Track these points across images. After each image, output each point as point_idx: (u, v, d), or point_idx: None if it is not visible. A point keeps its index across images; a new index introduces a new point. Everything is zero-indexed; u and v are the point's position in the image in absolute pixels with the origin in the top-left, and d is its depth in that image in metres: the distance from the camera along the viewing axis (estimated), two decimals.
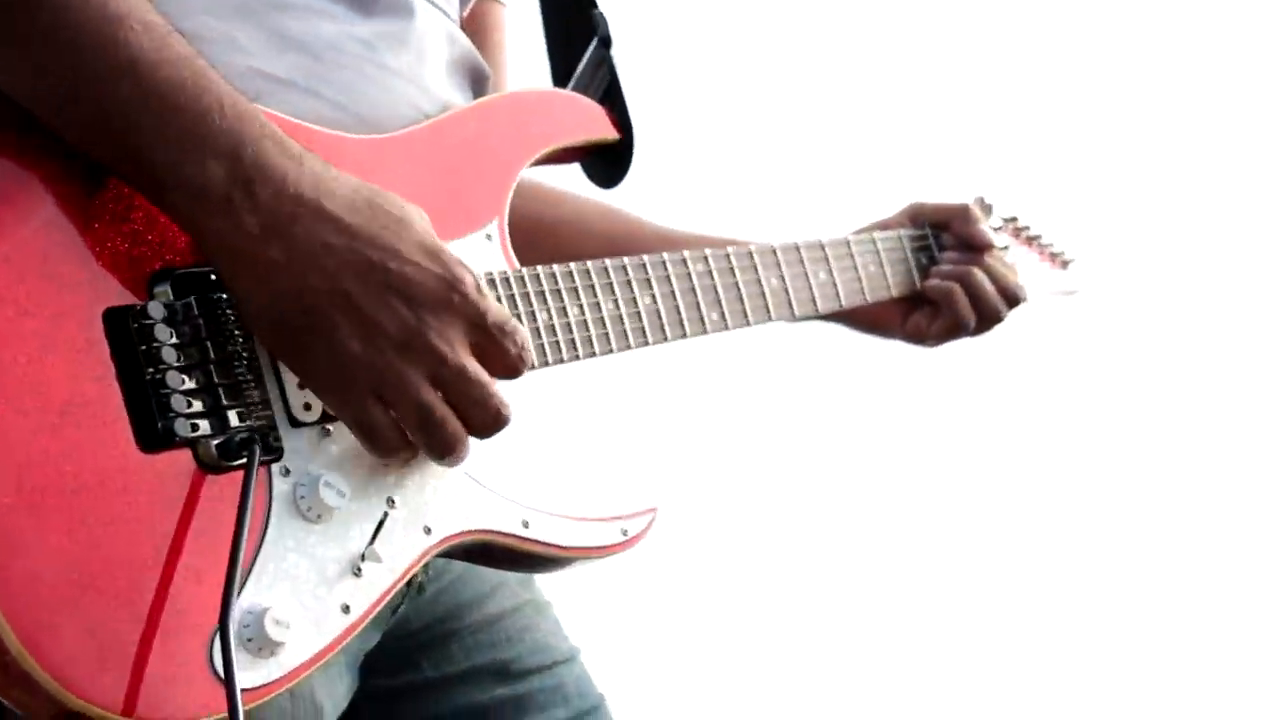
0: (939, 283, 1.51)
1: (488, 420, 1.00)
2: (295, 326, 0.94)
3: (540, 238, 1.36)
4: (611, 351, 1.22)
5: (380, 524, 1.02)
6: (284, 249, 0.92)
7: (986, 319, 1.53)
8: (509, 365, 1.01)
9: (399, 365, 0.94)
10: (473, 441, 1.02)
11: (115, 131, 0.91)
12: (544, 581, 1.45)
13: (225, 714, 0.90)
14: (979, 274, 1.51)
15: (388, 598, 1.02)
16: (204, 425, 0.94)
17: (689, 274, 1.30)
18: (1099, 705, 3.12)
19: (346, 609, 0.99)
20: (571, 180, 1.41)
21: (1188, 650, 3.16)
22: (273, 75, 1.07)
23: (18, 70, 0.92)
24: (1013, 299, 1.55)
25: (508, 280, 1.15)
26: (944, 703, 3.12)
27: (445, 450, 0.99)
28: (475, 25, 1.40)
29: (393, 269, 0.95)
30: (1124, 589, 3.21)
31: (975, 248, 1.55)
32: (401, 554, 1.03)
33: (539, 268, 1.17)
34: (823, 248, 1.44)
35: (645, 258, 1.26)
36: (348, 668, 1.14)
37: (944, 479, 3.19)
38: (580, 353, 1.19)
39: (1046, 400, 3.25)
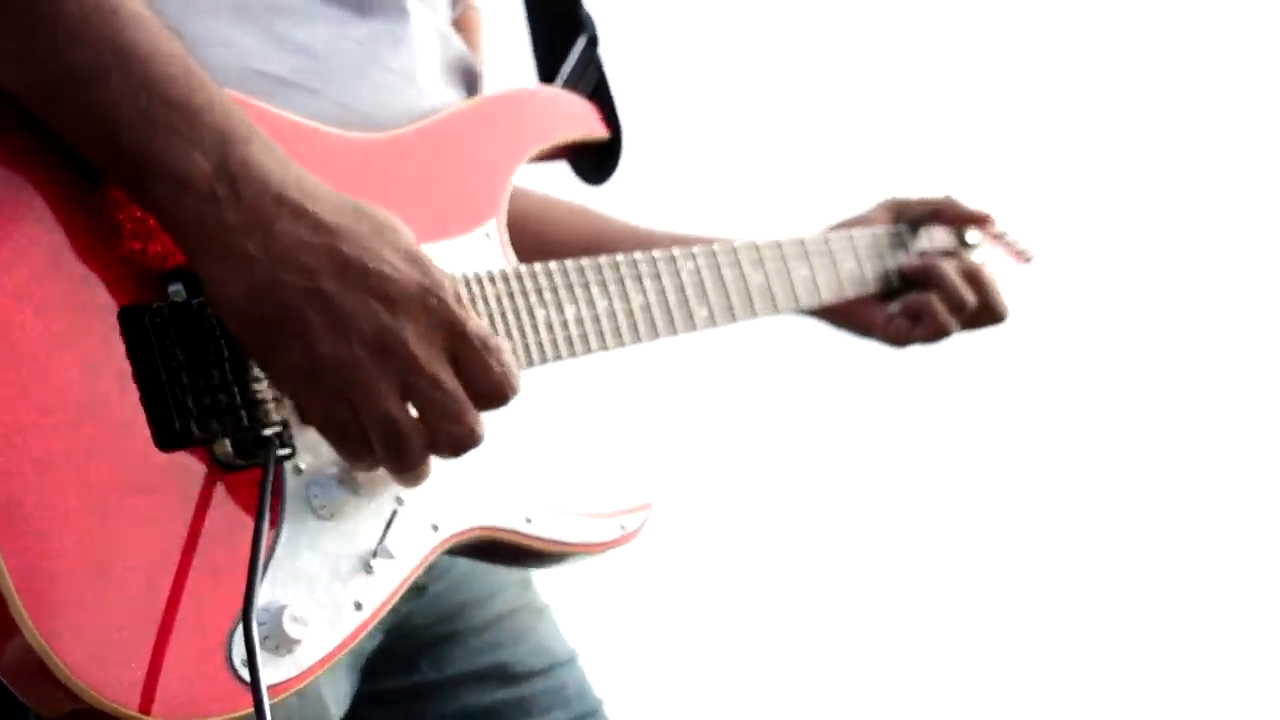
0: (916, 296, 1.52)
1: (459, 436, 0.97)
2: (268, 323, 0.92)
3: (521, 238, 1.37)
4: (607, 348, 1.24)
5: (390, 521, 1.02)
6: (262, 243, 0.90)
7: (957, 312, 1.54)
8: (491, 385, 0.97)
9: (370, 368, 0.92)
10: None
11: (103, 124, 0.90)
12: (541, 584, 1.46)
13: (242, 712, 0.90)
14: (956, 281, 1.53)
15: (398, 595, 1.03)
16: (219, 424, 0.94)
17: (677, 271, 1.31)
18: (1094, 703, 3.16)
19: (359, 606, 0.99)
20: (552, 179, 1.43)
21: (1187, 650, 3.18)
22: (274, 75, 1.07)
23: (7, 61, 0.91)
24: (995, 313, 1.57)
25: (507, 278, 1.15)
26: (938, 702, 3.15)
27: (404, 466, 0.96)
28: (459, 30, 1.40)
29: (370, 267, 0.93)
30: (1119, 588, 3.25)
31: (958, 237, 1.59)
32: (411, 551, 1.04)
33: (537, 265, 1.17)
34: (803, 244, 1.46)
35: (638, 255, 1.27)
36: (350, 668, 1.15)
37: (939, 476, 3.20)
38: (578, 350, 1.20)
39: (1034, 395, 3.27)
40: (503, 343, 0.99)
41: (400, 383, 0.94)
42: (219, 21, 1.06)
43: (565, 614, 1.46)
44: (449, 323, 0.95)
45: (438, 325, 0.95)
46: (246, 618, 0.89)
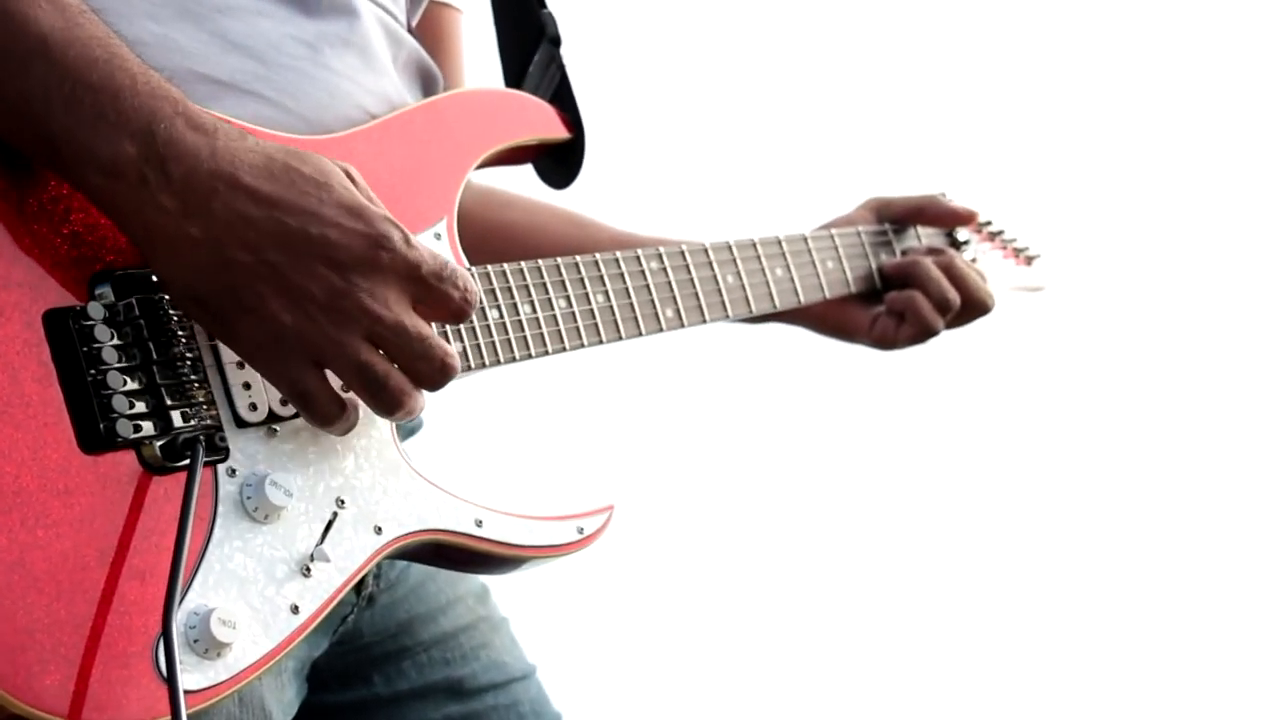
0: (898, 294, 1.49)
1: (433, 372, 0.97)
2: (223, 301, 0.92)
3: (492, 240, 1.35)
4: (565, 349, 1.22)
5: (329, 524, 1.01)
6: (203, 225, 0.90)
7: (941, 310, 1.49)
8: (455, 310, 1.00)
9: (332, 331, 0.93)
10: (426, 438, 1.02)
11: (29, 114, 0.90)
12: (502, 596, 1.44)
13: (167, 717, 0.89)
14: (929, 267, 1.48)
15: (337, 599, 1.01)
16: (147, 426, 0.93)
17: (643, 271, 1.30)
18: (1093, 703, 3.13)
19: (295, 609, 0.98)
20: (524, 182, 1.41)
21: (1187, 649, 3.16)
22: (215, 78, 1.07)
23: None
24: (979, 307, 1.52)
25: None
26: (925, 708, 3.12)
27: (394, 405, 0.97)
28: (431, 31, 1.39)
29: (314, 234, 0.93)
30: (1114, 587, 3.22)
31: (948, 236, 1.57)
32: (351, 554, 1.02)
33: (489, 266, 1.16)
34: (780, 244, 1.44)
35: (598, 255, 1.26)
36: (295, 674, 1.14)
37: (916, 479, 3.18)
38: (533, 351, 1.19)
39: (1023, 394, 3.26)
40: (456, 267, 1.00)
41: (364, 334, 0.94)
42: (159, 24, 1.06)
43: (527, 625, 1.45)
44: (403, 269, 0.96)
45: (391, 274, 0.95)
46: (166, 620, 0.88)
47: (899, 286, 1.50)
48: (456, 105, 1.26)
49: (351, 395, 0.98)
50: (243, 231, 0.91)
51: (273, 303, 0.92)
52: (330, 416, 0.97)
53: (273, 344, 0.93)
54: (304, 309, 0.92)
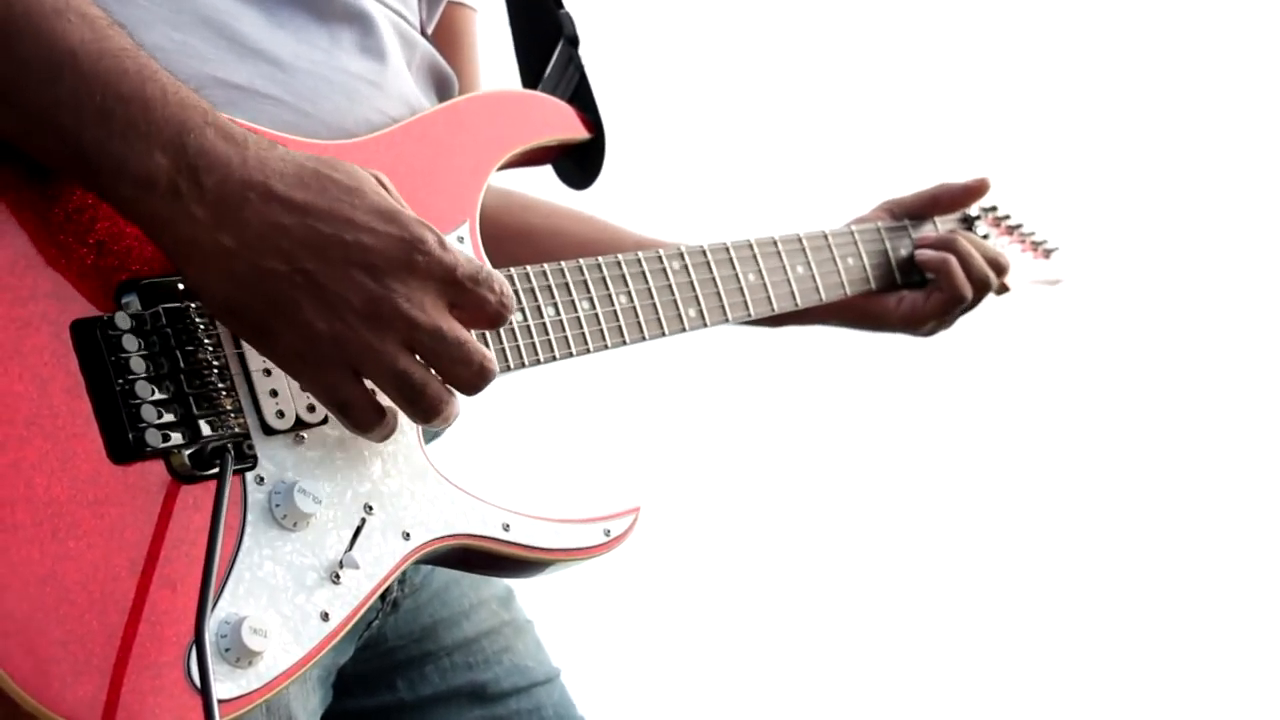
0: (932, 253, 1.50)
1: (471, 376, 0.97)
2: (258, 311, 0.92)
3: (513, 244, 1.35)
4: (589, 351, 1.22)
5: (358, 530, 1.01)
6: (236, 234, 0.90)
7: (979, 289, 1.51)
8: (491, 314, 0.99)
9: (369, 338, 0.93)
10: (449, 442, 1.02)
11: (59, 126, 0.89)
12: (526, 599, 1.45)
13: None
14: (964, 241, 1.51)
15: (366, 605, 1.01)
16: (175, 435, 0.93)
17: (665, 271, 1.29)
18: (1081, 702, 3.13)
19: (326, 617, 0.98)
20: (544, 183, 1.41)
21: (1185, 649, 3.16)
22: (234, 83, 1.07)
23: None
24: (998, 266, 1.53)
25: None
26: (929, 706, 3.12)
27: (431, 412, 0.97)
28: (446, 32, 1.39)
29: (349, 240, 0.92)
30: (1110, 588, 3.22)
31: (963, 224, 1.58)
32: (380, 560, 1.02)
33: (511, 269, 1.16)
34: (800, 241, 1.44)
35: (620, 256, 1.25)
36: (320, 682, 1.14)
37: (929, 478, 3.18)
38: (557, 353, 1.19)
39: (1024, 394, 3.25)
40: (491, 270, 1.00)
41: (401, 340, 0.94)
42: (179, 30, 1.06)
43: (552, 628, 1.45)
44: (438, 273, 0.95)
45: (427, 279, 0.95)
46: (199, 629, 0.88)
47: (920, 277, 1.51)
48: (476, 107, 1.26)
49: (389, 402, 0.98)
50: (276, 240, 0.91)
51: (309, 311, 0.92)
52: (369, 424, 0.97)
53: (310, 352, 0.93)
54: (341, 316, 0.92)
